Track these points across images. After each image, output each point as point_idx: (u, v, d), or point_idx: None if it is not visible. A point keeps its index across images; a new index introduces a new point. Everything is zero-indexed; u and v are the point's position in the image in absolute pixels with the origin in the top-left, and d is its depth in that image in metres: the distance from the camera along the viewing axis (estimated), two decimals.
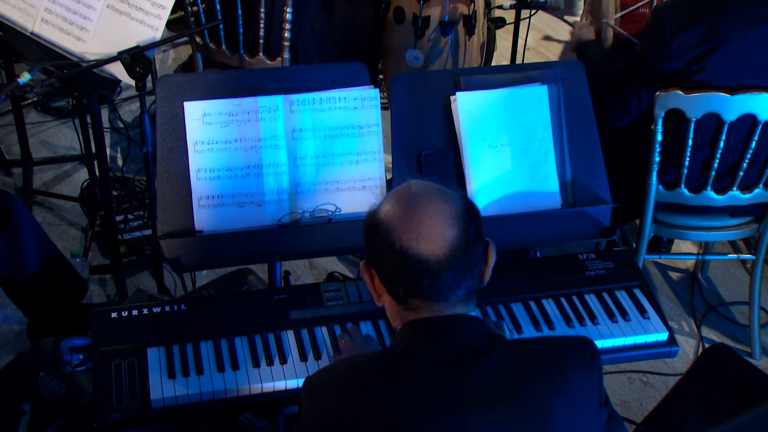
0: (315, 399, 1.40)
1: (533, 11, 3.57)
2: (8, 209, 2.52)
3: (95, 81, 2.48)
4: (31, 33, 2.51)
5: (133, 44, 2.36)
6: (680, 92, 2.42)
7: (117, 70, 2.41)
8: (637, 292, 2.11)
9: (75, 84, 2.50)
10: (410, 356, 1.38)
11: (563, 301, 2.07)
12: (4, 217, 2.51)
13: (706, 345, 2.99)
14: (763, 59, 2.42)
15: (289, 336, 1.94)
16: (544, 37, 4.92)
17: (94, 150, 3.08)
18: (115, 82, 2.46)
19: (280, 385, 1.85)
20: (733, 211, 2.76)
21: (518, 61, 3.64)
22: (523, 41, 3.58)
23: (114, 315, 1.92)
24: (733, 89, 2.41)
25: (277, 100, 2.07)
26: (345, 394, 1.37)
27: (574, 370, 1.40)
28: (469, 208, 1.42)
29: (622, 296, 2.10)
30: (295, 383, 1.86)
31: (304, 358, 1.90)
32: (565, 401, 1.37)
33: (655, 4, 2.95)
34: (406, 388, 1.35)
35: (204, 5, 3.17)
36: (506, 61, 4.16)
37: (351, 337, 1.90)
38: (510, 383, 1.36)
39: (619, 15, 2.98)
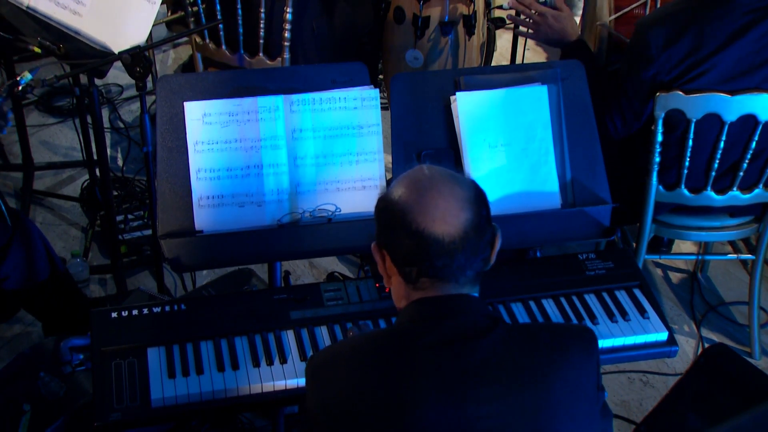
0: (320, 377, 1.42)
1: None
2: (21, 223, 2.53)
3: (89, 53, 2.44)
4: (27, 7, 2.49)
5: (129, 19, 2.35)
6: (680, 93, 2.42)
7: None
8: (637, 292, 2.11)
9: (70, 56, 2.46)
10: (415, 335, 1.41)
11: (563, 301, 2.07)
12: (17, 230, 2.51)
13: (706, 345, 2.99)
14: (749, 65, 2.42)
15: (289, 336, 1.94)
16: None
17: (94, 150, 3.09)
18: (110, 53, 2.42)
19: (280, 384, 1.86)
20: (732, 211, 2.76)
21: (518, 61, 3.64)
22: (523, 41, 3.58)
23: (114, 315, 1.92)
24: (733, 91, 2.41)
25: (277, 100, 2.07)
26: (350, 372, 1.40)
27: (574, 353, 1.43)
28: (479, 192, 1.46)
29: (622, 296, 2.10)
30: (295, 383, 1.86)
31: (304, 357, 1.89)
32: (565, 383, 1.40)
33: (648, 5, 2.94)
34: (411, 366, 1.38)
35: (204, 5, 3.17)
36: (506, 61, 4.16)
37: (359, 332, 1.92)
38: (510, 363, 1.39)
39: (613, 17, 2.97)
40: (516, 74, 2.19)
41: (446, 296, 1.44)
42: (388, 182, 2.13)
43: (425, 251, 1.40)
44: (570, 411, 1.40)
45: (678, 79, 2.44)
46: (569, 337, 1.46)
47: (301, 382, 1.86)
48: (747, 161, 2.55)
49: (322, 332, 1.96)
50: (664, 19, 2.45)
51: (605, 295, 2.10)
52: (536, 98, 2.17)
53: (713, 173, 2.57)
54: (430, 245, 1.39)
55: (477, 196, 1.44)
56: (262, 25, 3.11)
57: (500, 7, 3.55)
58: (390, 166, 2.16)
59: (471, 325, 1.41)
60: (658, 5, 2.93)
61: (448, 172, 1.46)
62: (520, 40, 3.56)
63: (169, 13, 4.48)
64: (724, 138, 2.48)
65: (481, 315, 1.43)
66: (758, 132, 2.48)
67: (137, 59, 2.36)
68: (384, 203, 1.46)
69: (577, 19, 5.06)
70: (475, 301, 1.45)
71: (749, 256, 2.90)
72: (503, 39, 4.62)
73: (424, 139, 2.14)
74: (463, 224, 1.39)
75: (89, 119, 3.05)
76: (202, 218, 2.03)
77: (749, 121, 2.47)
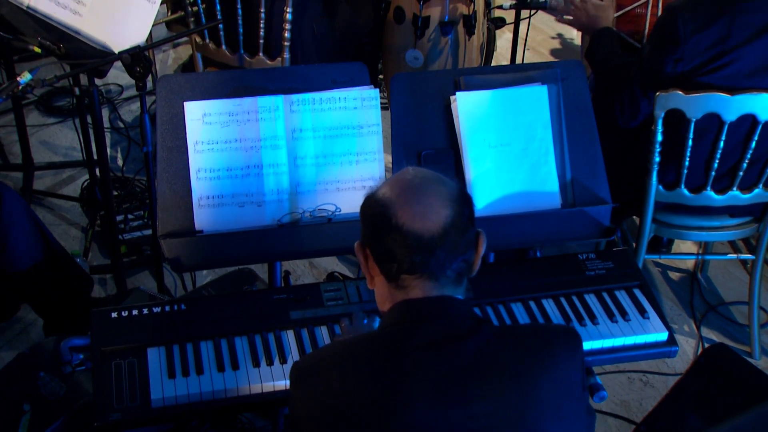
0: (305, 383, 1.43)
1: (533, 11, 3.56)
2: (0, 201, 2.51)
3: (89, 53, 2.44)
4: (27, 7, 2.49)
5: (129, 19, 2.35)
6: (680, 92, 2.42)
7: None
8: (637, 292, 2.11)
9: (70, 56, 2.46)
10: (400, 338, 1.41)
11: (563, 301, 2.07)
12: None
13: (706, 345, 2.99)
14: None
15: (289, 336, 1.94)
16: (544, 37, 4.93)
17: (94, 150, 3.08)
18: (110, 53, 2.42)
19: (281, 384, 1.86)
20: (732, 211, 2.76)
21: (518, 61, 3.64)
22: (523, 41, 3.58)
23: (114, 315, 1.92)
24: (736, 90, 2.41)
25: (277, 100, 2.07)
26: (338, 377, 1.40)
27: (559, 352, 1.43)
28: (463, 193, 1.47)
29: (622, 296, 2.10)
30: None
31: None
32: (551, 382, 1.40)
33: (650, 4, 2.94)
34: (397, 369, 1.38)
35: (204, 5, 3.18)
36: (506, 61, 4.16)
37: (351, 322, 1.92)
38: (496, 363, 1.39)
39: (615, 15, 2.98)
40: (516, 74, 2.19)
41: (429, 298, 1.44)
42: None
43: (404, 246, 1.40)
44: (556, 410, 1.40)
45: (699, 68, 2.42)
46: (553, 337, 1.46)
47: None
48: (747, 161, 2.55)
49: (322, 332, 1.96)
50: (696, 3, 2.41)
51: (605, 295, 2.10)
52: (536, 98, 2.17)
53: (713, 173, 2.57)
54: (409, 240, 1.39)
55: (460, 195, 1.45)
56: (262, 25, 3.11)
57: (500, 7, 3.56)
58: (390, 166, 2.16)
59: (456, 327, 1.41)
60: (660, 4, 2.93)
61: (433, 173, 1.48)
62: (520, 40, 3.56)
63: (169, 13, 4.48)
64: (723, 138, 2.48)
65: (465, 316, 1.44)
66: (758, 132, 2.48)
67: (137, 59, 2.36)
68: (368, 201, 1.48)
69: None
70: (459, 302, 1.45)
71: (749, 256, 2.90)
72: (503, 39, 4.62)
73: (424, 139, 2.14)
74: (443, 221, 1.40)
75: (89, 119, 3.05)
76: (202, 218, 2.03)
77: (749, 121, 2.47)
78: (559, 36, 4.96)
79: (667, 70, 2.45)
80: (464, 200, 1.45)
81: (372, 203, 1.46)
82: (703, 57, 2.40)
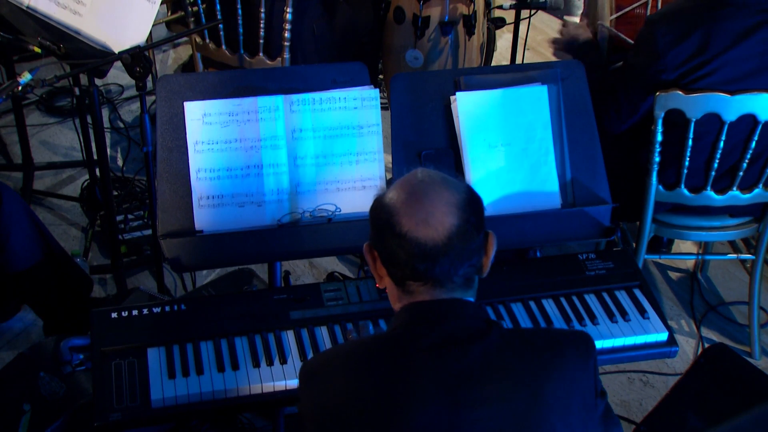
0: (314, 383, 1.42)
1: (533, 11, 3.56)
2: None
3: (89, 53, 2.44)
4: (27, 7, 2.49)
5: (129, 19, 2.35)
6: (680, 92, 2.42)
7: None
8: (637, 292, 2.11)
9: (70, 56, 2.46)
10: (408, 339, 1.40)
11: (563, 301, 2.07)
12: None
13: (706, 345, 2.99)
14: (757, 66, 2.41)
15: (289, 336, 1.94)
16: (544, 37, 4.92)
17: (94, 150, 3.09)
18: (110, 53, 2.42)
19: (280, 385, 1.86)
20: (732, 211, 2.76)
21: (518, 61, 3.64)
22: (523, 41, 3.58)
23: (114, 315, 1.92)
24: (733, 91, 2.41)
25: (277, 100, 2.07)
26: (344, 377, 1.40)
27: (569, 358, 1.42)
28: (471, 198, 1.45)
29: (622, 296, 2.10)
30: (296, 383, 1.85)
31: (304, 358, 1.90)
32: (559, 387, 1.39)
33: (650, 6, 2.93)
34: (405, 370, 1.37)
35: (204, 5, 3.18)
36: (506, 61, 4.16)
37: (358, 335, 1.91)
38: (503, 366, 1.39)
39: (614, 16, 2.97)
40: (516, 74, 2.19)
41: (438, 300, 1.43)
42: (388, 182, 2.13)
43: (407, 254, 1.39)
44: (564, 416, 1.39)
45: (683, 77, 2.43)
46: (565, 342, 1.45)
47: None
48: (746, 161, 2.55)
49: (322, 332, 1.96)
50: (673, 15, 2.44)
51: (605, 295, 2.10)
52: (536, 98, 2.17)
53: (713, 173, 2.57)
54: (412, 248, 1.39)
55: (467, 202, 1.42)
56: (262, 25, 3.11)
57: (500, 7, 3.56)
58: (390, 166, 2.16)
59: (464, 329, 1.40)
60: (660, 5, 2.93)
61: (442, 176, 1.46)
62: (520, 40, 3.56)
63: (169, 13, 4.49)
64: (723, 138, 2.48)
65: (474, 319, 1.43)
66: (758, 132, 2.48)
67: (137, 59, 2.36)
68: (376, 204, 1.47)
69: (576, 19, 5.07)
70: (469, 305, 1.45)
71: (749, 256, 2.90)
72: (503, 39, 4.62)
73: (424, 139, 2.14)
74: (447, 229, 1.38)
75: (89, 119, 3.05)
76: (202, 218, 2.03)
77: (749, 121, 2.47)
78: (559, 36, 4.95)
79: (652, 80, 2.47)
80: (471, 207, 1.43)
81: (379, 207, 1.45)
82: (684, 67, 2.42)
